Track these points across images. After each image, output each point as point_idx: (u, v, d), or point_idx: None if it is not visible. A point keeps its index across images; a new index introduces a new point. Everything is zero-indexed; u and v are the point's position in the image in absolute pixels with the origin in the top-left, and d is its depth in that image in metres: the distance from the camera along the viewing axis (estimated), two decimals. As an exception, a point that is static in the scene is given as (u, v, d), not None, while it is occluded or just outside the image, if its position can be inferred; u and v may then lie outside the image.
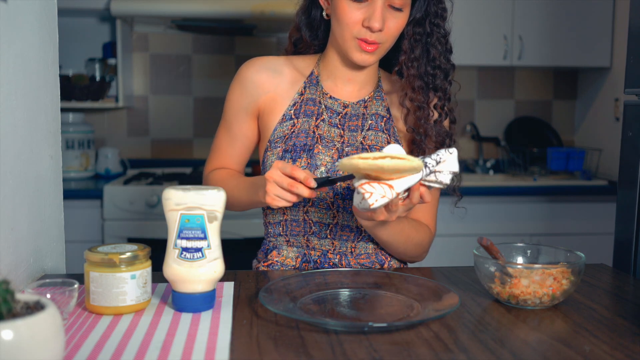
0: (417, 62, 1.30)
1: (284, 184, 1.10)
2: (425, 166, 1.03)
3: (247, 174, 3.23)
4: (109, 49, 3.13)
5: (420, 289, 1.06)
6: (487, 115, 3.46)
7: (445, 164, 1.05)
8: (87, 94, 2.95)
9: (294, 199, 1.12)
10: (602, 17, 3.10)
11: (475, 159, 3.40)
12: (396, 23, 1.25)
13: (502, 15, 3.07)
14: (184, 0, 2.81)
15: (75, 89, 2.92)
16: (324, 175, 1.27)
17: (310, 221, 1.31)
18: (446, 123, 1.37)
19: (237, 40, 3.29)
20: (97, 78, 3.02)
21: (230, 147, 1.40)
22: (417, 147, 1.33)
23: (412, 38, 1.29)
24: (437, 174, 1.05)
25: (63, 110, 1.37)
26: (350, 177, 1.08)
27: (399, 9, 1.24)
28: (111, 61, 3.09)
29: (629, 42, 1.38)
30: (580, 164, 3.08)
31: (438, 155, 1.04)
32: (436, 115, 1.32)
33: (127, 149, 3.27)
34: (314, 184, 1.09)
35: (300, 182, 1.09)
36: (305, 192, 1.09)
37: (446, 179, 1.06)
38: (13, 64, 1.05)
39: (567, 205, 2.90)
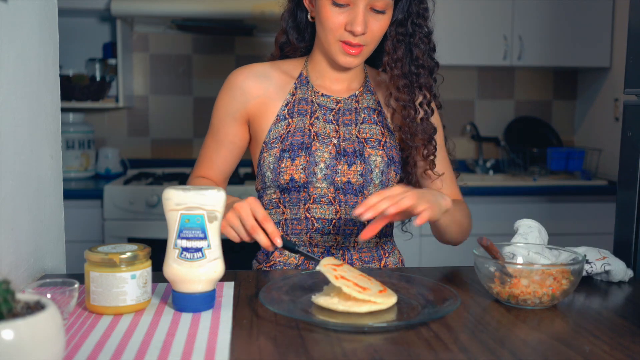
0: (401, 62, 1.32)
1: (246, 223, 1.10)
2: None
3: (246, 174, 3.20)
4: (109, 49, 3.13)
5: (420, 288, 1.06)
6: (487, 115, 3.46)
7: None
8: (87, 94, 2.95)
9: (246, 239, 1.13)
10: (602, 17, 3.10)
11: (475, 159, 3.40)
12: (379, 25, 1.26)
13: (502, 15, 3.06)
14: (184, 0, 2.81)
15: (75, 89, 2.92)
16: (325, 171, 1.29)
17: (313, 218, 1.31)
18: (435, 119, 1.40)
19: (237, 40, 3.29)
20: (97, 78, 3.02)
21: (216, 154, 1.40)
22: (406, 145, 1.37)
23: (395, 39, 1.31)
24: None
25: (63, 110, 1.37)
26: (315, 259, 1.11)
27: (381, 12, 1.25)
28: (111, 61, 3.09)
29: (629, 42, 1.38)
30: (580, 164, 3.08)
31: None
32: (422, 113, 1.35)
33: (127, 149, 3.27)
34: (279, 243, 1.10)
35: (265, 233, 1.11)
36: (263, 241, 1.10)
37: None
38: (13, 64, 1.05)
39: (567, 205, 2.90)
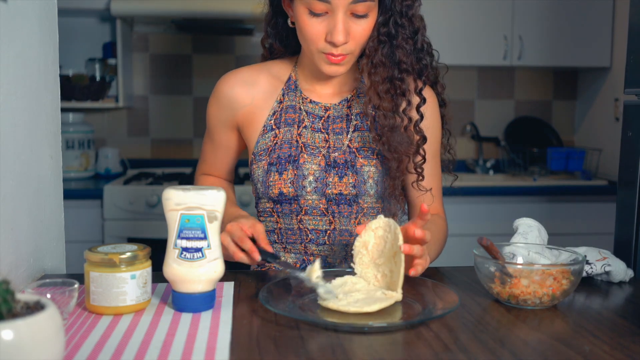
0: (382, 66, 1.22)
1: (235, 235, 1.11)
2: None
3: (246, 174, 3.19)
4: (109, 49, 3.13)
5: (420, 288, 1.06)
6: (487, 115, 3.46)
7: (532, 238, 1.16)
8: (87, 94, 2.95)
9: (239, 255, 1.11)
10: (602, 17, 3.10)
11: (475, 159, 3.40)
12: (361, 30, 1.18)
13: (502, 15, 3.06)
14: (184, 0, 2.80)
15: (75, 89, 2.92)
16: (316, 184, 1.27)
17: (306, 229, 1.29)
18: (431, 123, 1.31)
19: (237, 40, 3.29)
20: (97, 78, 3.02)
21: (214, 156, 1.41)
22: (387, 156, 1.26)
23: (376, 39, 1.21)
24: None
25: (63, 110, 1.37)
26: (290, 268, 1.08)
27: (363, 16, 1.17)
28: (111, 61, 3.09)
29: (629, 42, 1.38)
30: (580, 164, 3.08)
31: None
32: (406, 121, 1.25)
33: (127, 149, 3.27)
34: (258, 258, 1.09)
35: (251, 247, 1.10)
36: (248, 245, 1.09)
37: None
38: (13, 64, 1.05)
39: (567, 205, 2.90)
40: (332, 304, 0.97)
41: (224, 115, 1.34)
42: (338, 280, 1.06)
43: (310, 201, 1.27)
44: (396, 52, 1.22)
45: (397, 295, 1.00)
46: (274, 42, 1.36)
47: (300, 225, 1.29)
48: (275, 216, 1.31)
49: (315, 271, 1.01)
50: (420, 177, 1.29)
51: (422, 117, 1.27)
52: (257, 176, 1.29)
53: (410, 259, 1.06)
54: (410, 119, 1.25)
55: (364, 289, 1.04)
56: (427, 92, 1.31)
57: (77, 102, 2.94)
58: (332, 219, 1.28)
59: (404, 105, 1.25)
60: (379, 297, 1.00)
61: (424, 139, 1.27)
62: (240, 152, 1.43)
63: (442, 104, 1.37)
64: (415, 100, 1.28)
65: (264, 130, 1.31)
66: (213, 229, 0.97)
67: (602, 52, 3.12)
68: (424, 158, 1.28)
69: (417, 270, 1.04)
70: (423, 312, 0.96)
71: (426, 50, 1.28)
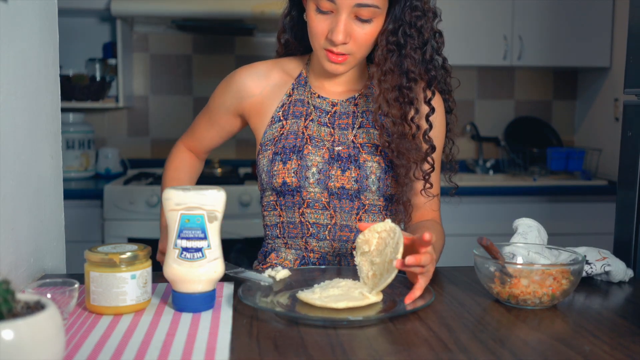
0: (391, 74, 1.24)
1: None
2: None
3: (246, 174, 3.19)
4: (109, 49, 3.13)
5: (400, 287, 1.06)
6: (487, 115, 3.46)
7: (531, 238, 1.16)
8: (87, 94, 2.95)
9: None
10: (602, 17, 3.10)
11: (475, 159, 3.40)
12: (363, 34, 1.21)
13: (502, 15, 3.06)
14: (184, 0, 2.81)
15: (75, 89, 2.92)
16: (315, 177, 1.28)
17: (307, 223, 1.30)
18: (440, 131, 1.34)
19: (237, 40, 3.29)
20: (97, 78, 3.02)
21: (206, 131, 1.45)
22: (396, 163, 1.27)
23: (385, 49, 1.23)
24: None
25: (63, 110, 1.37)
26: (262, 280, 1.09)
27: (367, 21, 1.20)
28: (111, 61, 3.09)
29: (629, 42, 1.38)
30: (580, 164, 3.08)
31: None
32: (414, 129, 1.27)
33: (127, 149, 3.27)
34: None
35: None
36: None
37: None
38: (13, 64, 1.05)
39: (567, 205, 2.90)
40: (303, 296, 1.00)
41: (229, 101, 1.38)
42: (326, 282, 1.08)
43: (312, 194, 1.28)
44: (404, 62, 1.24)
45: (373, 298, 1.00)
46: (289, 37, 1.40)
47: (302, 219, 1.30)
48: (279, 209, 1.32)
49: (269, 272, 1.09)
50: (428, 185, 1.30)
51: (431, 126, 1.30)
52: (263, 166, 1.32)
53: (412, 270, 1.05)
54: (418, 127, 1.27)
55: (345, 286, 1.05)
56: (437, 102, 1.33)
57: (77, 102, 2.94)
58: (333, 213, 1.29)
59: (412, 113, 1.27)
60: (355, 296, 1.01)
61: (432, 148, 1.29)
62: (230, 136, 1.47)
63: (448, 110, 1.39)
64: (425, 109, 1.30)
65: (271, 121, 1.34)
66: (213, 229, 0.97)
67: (602, 52, 3.13)
68: (432, 167, 1.30)
69: (415, 294, 1.01)
70: (398, 308, 0.98)
71: (440, 65, 1.32)
